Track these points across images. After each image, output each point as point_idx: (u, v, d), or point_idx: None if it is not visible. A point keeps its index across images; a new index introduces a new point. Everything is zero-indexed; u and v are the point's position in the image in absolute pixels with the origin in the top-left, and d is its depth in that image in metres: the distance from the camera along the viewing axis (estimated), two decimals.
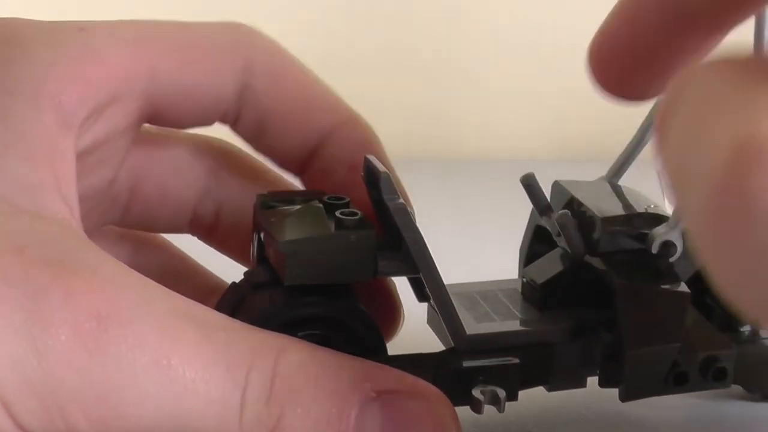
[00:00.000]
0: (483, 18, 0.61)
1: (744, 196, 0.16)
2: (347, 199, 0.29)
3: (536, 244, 0.33)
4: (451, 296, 0.29)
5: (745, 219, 0.16)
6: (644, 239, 0.30)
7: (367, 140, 0.32)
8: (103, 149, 0.29)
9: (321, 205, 0.29)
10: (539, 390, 0.31)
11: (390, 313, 0.32)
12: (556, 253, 0.31)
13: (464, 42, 0.62)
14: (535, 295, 0.31)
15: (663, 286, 0.30)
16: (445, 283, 0.29)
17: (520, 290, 0.32)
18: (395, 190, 0.27)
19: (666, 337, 0.30)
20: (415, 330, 0.32)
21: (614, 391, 0.31)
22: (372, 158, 0.28)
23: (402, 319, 0.32)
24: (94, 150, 0.29)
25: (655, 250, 0.30)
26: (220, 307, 0.29)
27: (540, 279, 0.31)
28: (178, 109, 0.30)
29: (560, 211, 0.30)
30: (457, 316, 0.28)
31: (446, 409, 0.27)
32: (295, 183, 0.33)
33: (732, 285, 0.17)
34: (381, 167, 0.28)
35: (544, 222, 0.32)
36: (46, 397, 0.24)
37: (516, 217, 0.35)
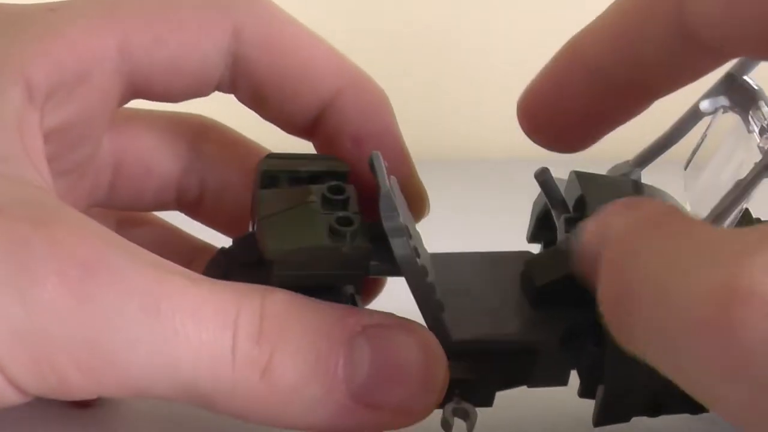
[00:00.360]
0: (484, 17, 0.62)
1: (733, 326, 0.18)
2: (347, 195, 0.28)
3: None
4: (446, 284, 0.28)
5: (739, 345, 0.18)
6: None
7: (372, 106, 0.31)
8: (80, 127, 0.29)
9: (317, 203, 0.28)
10: (534, 391, 0.30)
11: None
12: (560, 250, 0.30)
13: (464, 41, 0.62)
14: (531, 290, 0.30)
15: None
16: (452, 251, 0.27)
17: (520, 275, 0.30)
18: (394, 208, 0.26)
19: (650, 370, 0.29)
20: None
21: None
22: (377, 160, 0.27)
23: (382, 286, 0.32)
24: (70, 128, 0.29)
25: None
26: (206, 274, 0.29)
27: (539, 280, 0.29)
28: (161, 83, 0.30)
29: (564, 235, 0.29)
30: (444, 325, 0.28)
31: (433, 341, 0.27)
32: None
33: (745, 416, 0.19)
34: (384, 183, 0.26)
35: (554, 217, 0.30)
36: (35, 350, 0.24)
37: (516, 217, 0.34)
